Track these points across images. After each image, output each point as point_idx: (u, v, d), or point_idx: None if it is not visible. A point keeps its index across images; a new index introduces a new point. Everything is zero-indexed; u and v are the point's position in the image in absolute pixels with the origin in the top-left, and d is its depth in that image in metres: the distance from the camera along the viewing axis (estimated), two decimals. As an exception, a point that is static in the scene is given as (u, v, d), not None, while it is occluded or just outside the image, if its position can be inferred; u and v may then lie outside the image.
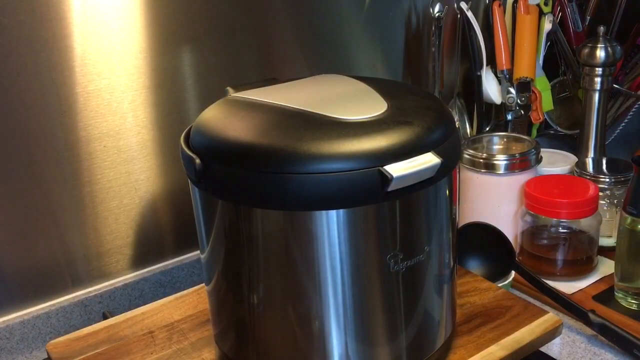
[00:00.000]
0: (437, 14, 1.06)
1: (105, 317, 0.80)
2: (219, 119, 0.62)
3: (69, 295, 0.85)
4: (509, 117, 1.12)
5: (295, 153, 0.54)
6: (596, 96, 1.06)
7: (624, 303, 0.83)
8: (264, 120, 0.60)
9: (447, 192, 0.61)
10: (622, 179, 0.96)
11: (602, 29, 1.04)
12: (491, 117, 1.17)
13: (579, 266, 0.90)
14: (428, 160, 0.55)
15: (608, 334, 0.76)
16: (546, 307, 0.81)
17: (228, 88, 0.69)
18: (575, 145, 1.14)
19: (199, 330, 0.73)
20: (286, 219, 0.56)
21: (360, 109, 0.60)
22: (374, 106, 0.60)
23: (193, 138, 0.61)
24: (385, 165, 0.53)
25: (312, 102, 0.62)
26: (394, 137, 0.55)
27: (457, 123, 1.12)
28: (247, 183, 0.55)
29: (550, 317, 0.73)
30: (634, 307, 0.82)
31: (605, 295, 0.85)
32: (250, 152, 0.55)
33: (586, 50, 1.04)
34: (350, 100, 0.65)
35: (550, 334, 0.72)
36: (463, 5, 1.08)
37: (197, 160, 0.57)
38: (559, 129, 1.22)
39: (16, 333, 0.80)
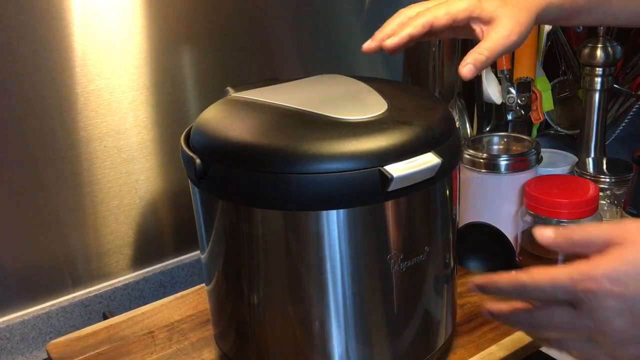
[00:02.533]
0: (437, 14, 1.06)
1: (105, 317, 0.80)
2: (219, 119, 0.62)
3: (69, 295, 0.85)
4: (509, 117, 1.12)
5: (296, 153, 0.54)
6: (596, 96, 1.06)
7: (624, 303, 0.83)
8: (264, 120, 0.60)
9: (447, 192, 0.61)
10: (623, 179, 0.96)
11: (602, 29, 1.04)
12: (491, 117, 1.17)
13: (579, 266, 0.90)
14: (428, 160, 0.55)
15: (608, 334, 0.76)
16: (546, 307, 0.81)
17: (228, 88, 0.69)
18: (575, 145, 1.14)
19: (199, 330, 0.74)
20: (286, 219, 0.56)
21: (360, 109, 0.60)
22: (374, 106, 0.60)
23: (193, 138, 0.61)
24: (385, 165, 0.53)
25: (312, 102, 0.62)
26: (394, 137, 0.55)
27: (457, 123, 1.11)
28: (247, 183, 0.55)
29: (551, 317, 0.73)
30: (634, 307, 0.82)
31: (606, 295, 0.85)
32: (250, 152, 0.55)
33: (586, 50, 1.04)
34: (350, 100, 0.65)
35: (551, 334, 0.72)
36: (463, 5, 1.08)
37: (197, 160, 0.57)
38: (559, 129, 1.22)
39: (16, 333, 0.80)
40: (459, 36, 0.72)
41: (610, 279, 0.43)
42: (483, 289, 0.51)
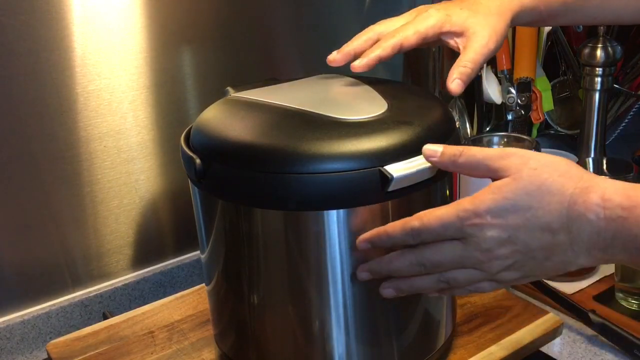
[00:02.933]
0: (437, 14, 1.06)
1: (105, 317, 0.80)
2: (219, 119, 0.62)
3: (69, 295, 0.85)
4: (510, 117, 1.12)
5: (296, 153, 0.54)
6: (596, 96, 1.06)
7: (624, 303, 0.83)
8: (264, 120, 0.60)
9: (447, 192, 0.61)
10: (623, 179, 0.95)
11: (602, 29, 1.04)
12: (491, 117, 1.17)
13: (579, 266, 0.90)
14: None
15: (608, 334, 0.76)
16: (546, 307, 0.81)
17: (228, 88, 0.69)
18: (575, 145, 1.14)
19: (199, 330, 0.73)
20: (286, 219, 0.56)
21: (360, 109, 0.60)
22: (374, 106, 0.60)
23: (193, 138, 0.61)
24: (385, 165, 0.53)
25: (312, 102, 0.62)
26: (394, 137, 0.55)
27: (457, 123, 1.11)
28: (247, 183, 0.55)
29: (551, 317, 0.73)
30: (634, 307, 0.82)
31: (606, 295, 0.85)
32: (250, 152, 0.55)
33: (586, 50, 1.04)
34: (350, 100, 0.65)
35: (551, 334, 0.72)
36: (463, 5, 1.08)
37: (197, 160, 0.57)
38: (559, 129, 1.22)
39: (16, 333, 0.81)
40: (434, 46, 0.74)
41: (492, 214, 0.49)
42: (373, 243, 0.54)
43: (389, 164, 0.53)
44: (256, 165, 0.55)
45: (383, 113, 0.59)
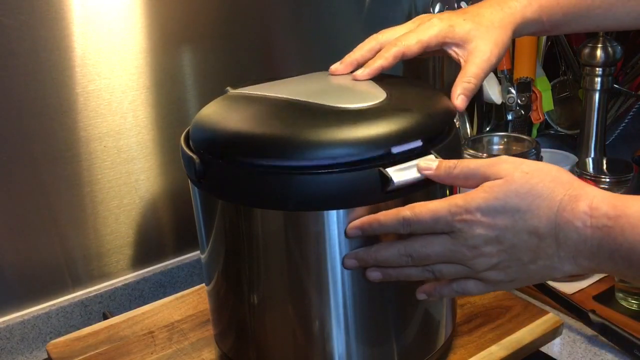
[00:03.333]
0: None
1: (105, 317, 0.80)
2: (217, 113, 0.61)
3: (69, 295, 0.85)
4: (510, 117, 1.12)
5: (298, 140, 0.53)
6: (596, 96, 1.06)
7: (624, 303, 0.83)
8: (262, 111, 0.60)
9: (447, 192, 0.61)
10: (623, 179, 0.95)
11: (602, 29, 1.04)
12: (491, 117, 1.17)
13: (579, 266, 0.90)
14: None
15: (608, 334, 0.76)
16: (546, 307, 0.81)
17: (228, 88, 0.69)
18: (575, 145, 1.14)
19: (199, 330, 0.74)
20: (286, 219, 0.56)
21: (360, 102, 0.60)
22: (373, 101, 0.60)
23: (192, 134, 0.61)
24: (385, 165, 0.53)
25: (312, 95, 0.61)
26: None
27: (457, 123, 1.11)
28: (247, 183, 0.55)
29: (551, 317, 0.73)
30: (634, 307, 0.82)
31: (606, 295, 0.85)
32: (248, 141, 0.55)
33: (586, 50, 1.04)
34: (350, 97, 0.65)
35: (551, 334, 0.72)
36: (463, 5, 1.08)
37: (197, 160, 0.57)
38: (559, 129, 1.22)
39: (16, 333, 0.80)
40: (435, 55, 0.75)
41: (482, 212, 0.50)
42: (364, 229, 0.54)
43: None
44: (254, 154, 0.54)
45: (383, 112, 0.59)
